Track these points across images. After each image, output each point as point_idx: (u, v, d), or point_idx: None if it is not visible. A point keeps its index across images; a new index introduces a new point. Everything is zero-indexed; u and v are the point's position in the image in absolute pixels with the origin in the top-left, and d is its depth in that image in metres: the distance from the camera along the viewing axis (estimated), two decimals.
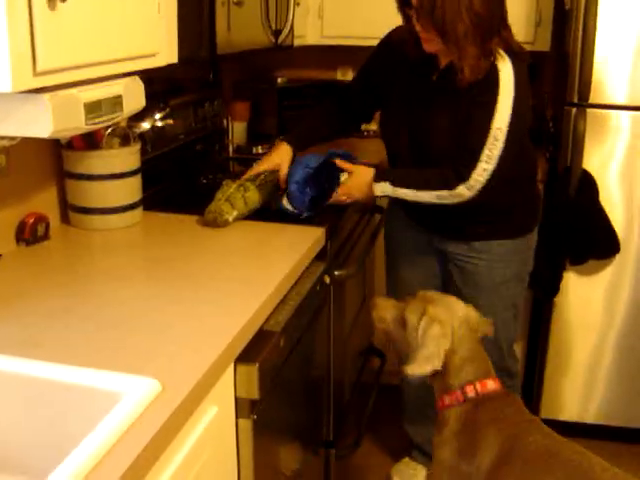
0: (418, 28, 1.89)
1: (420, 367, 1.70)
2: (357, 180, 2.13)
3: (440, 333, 1.70)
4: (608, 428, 2.96)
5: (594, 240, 2.62)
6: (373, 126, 3.43)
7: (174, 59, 1.92)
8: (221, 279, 1.67)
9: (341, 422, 2.45)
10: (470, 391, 1.71)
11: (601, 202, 2.61)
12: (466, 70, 1.89)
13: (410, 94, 2.11)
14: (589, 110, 2.59)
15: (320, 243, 2.00)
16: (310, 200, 2.10)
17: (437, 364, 1.70)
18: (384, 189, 2.07)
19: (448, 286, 2.31)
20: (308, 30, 3.05)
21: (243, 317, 1.46)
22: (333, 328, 2.22)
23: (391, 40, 2.18)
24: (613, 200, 2.66)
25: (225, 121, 3.00)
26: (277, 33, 2.51)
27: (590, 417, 2.96)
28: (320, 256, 2.01)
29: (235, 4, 2.23)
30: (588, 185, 2.59)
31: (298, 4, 2.74)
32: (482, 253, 2.21)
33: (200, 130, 2.73)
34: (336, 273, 2.12)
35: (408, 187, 2.04)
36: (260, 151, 3.04)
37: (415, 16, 1.87)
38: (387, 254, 2.51)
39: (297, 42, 2.75)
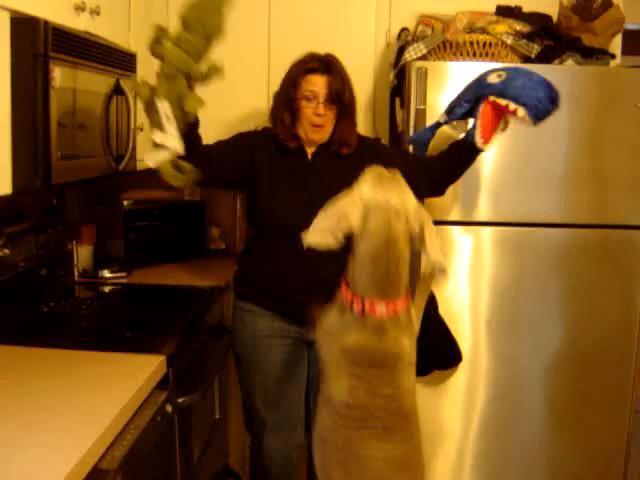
0: (322, 111, 2.34)
1: (314, 237, 1.69)
2: None
3: (346, 210, 1.65)
4: None
5: (435, 351, 2.70)
6: (221, 245, 3.48)
7: (7, 190, 1.89)
8: (52, 416, 1.61)
9: None
10: (357, 307, 1.70)
11: (440, 313, 2.72)
12: (353, 142, 2.43)
13: (291, 175, 2.43)
14: None
15: (160, 371, 1.96)
16: None
17: (331, 242, 1.69)
18: None
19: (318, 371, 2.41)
20: None
21: (74, 457, 1.41)
22: (180, 456, 2.17)
23: (256, 137, 2.49)
24: (455, 309, 2.78)
25: (70, 245, 2.95)
26: (119, 159, 2.53)
27: None
28: (162, 383, 1.97)
29: (79, 127, 2.25)
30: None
31: (141, 129, 2.77)
32: None
33: (42, 256, 2.67)
34: (179, 400, 2.09)
35: None
36: (107, 275, 3.00)
37: (325, 105, 2.34)
38: (248, 365, 2.54)
39: (140, 166, 2.77)
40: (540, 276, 2.79)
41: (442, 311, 2.73)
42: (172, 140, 2.07)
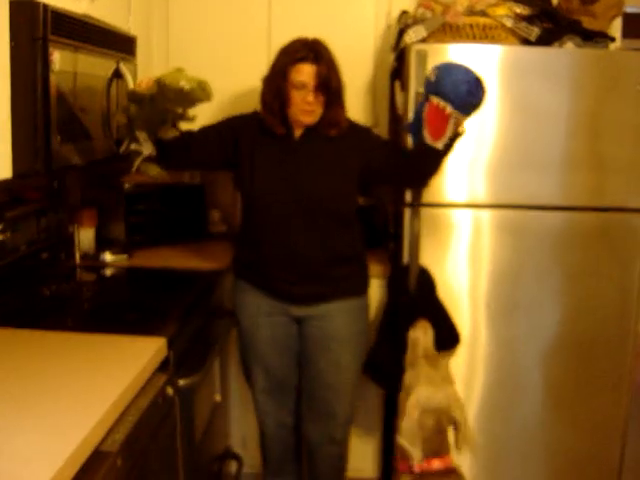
0: (311, 99, 2.39)
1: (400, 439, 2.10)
2: None
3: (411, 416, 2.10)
4: None
5: (434, 333, 2.71)
6: (222, 227, 3.50)
7: (8, 174, 1.90)
8: (53, 398, 1.62)
9: None
10: (417, 468, 2.08)
11: (439, 296, 2.73)
12: (343, 122, 2.50)
13: (275, 157, 2.51)
14: (423, 209, 2.73)
15: (161, 353, 1.98)
16: None
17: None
18: None
19: (304, 347, 2.63)
20: None
21: (75, 438, 1.42)
22: (181, 438, 2.19)
23: (243, 120, 2.59)
24: (454, 292, 2.79)
25: (71, 228, 2.96)
26: (119, 142, 2.53)
27: None
28: (163, 366, 1.99)
29: (79, 111, 2.25)
30: (426, 281, 2.70)
31: None
32: (340, 310, 2.57)
33: (44, 240, 2.68)
34: (180, 383, 2.11)
35: None
36: (108, 258, 3.01)
37: (314, 93, 2.39)
38: (244, 346, 2.72)
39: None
40: (539, 259, 2.80)
41: (441, 293, 2.75)
42: (145, 150, 2.43)
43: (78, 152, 2.26)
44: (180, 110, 2.34)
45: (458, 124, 2.31)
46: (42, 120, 2.00)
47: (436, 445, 2.09)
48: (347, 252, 2.58)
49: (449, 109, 2.21)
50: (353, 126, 2.56)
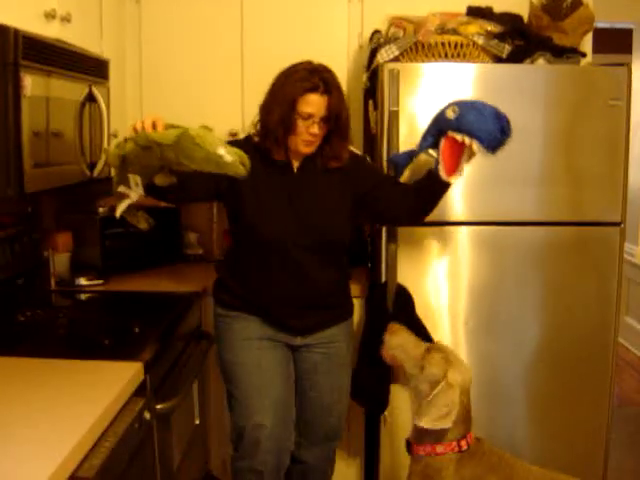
0: (316, 131, 2.31)
1: (434, 423, 2.06)
2: None
3: (455, 400, 2.06)
4: None
5: None
6: (199, 250, 3.48)
7: None
8: (29, 425, 1.60)
9: None
10: (464, 444, 2.13)
11: (418, 313, 2.73)
12: (345, 155, 2.42)
13: (276, 188, 2.41)
14: (400, 228, 2.73)
15: (138, 378, 1.95)
16: None
17: (448, 424, 2.05)
18: None
19: (306, 373, 2.56)
20: None
21: (51, 465, 1.40)
22: (160, 463, 2.16)
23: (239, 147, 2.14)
24: (433, 309, 2.80)
25: (46, 253, 2.93)
26: (93, 166, 2.52)
27: None
28: (140, 390, 1.97)
29: (52, 135, 2.24)
30: (404, 298, 2.71)
31: (115, 136, 2.77)
32: (341, 334, 2.55)
33: (18, 265, 2.65)
34: (158, 407, 2.08)
35: None
36: (84, 282, 2.99)
37: (320, 124, 2.31)
38: (241, 369, 2.50)
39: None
40: (517, 274, 2.81)
41: (420, 310, 2.75)
42: (134, 194, 2.17)
43: (51, 176, 2.25)
44: (194, 167, 2.00)
45: (471, 156, 2.27)
46: (14, 145, 1.99)
47: (469, 420, 2.16)
48: (344, 278, 2.58)
49: (476, 146, 2.20)
50: (350, 156, 2.48)
